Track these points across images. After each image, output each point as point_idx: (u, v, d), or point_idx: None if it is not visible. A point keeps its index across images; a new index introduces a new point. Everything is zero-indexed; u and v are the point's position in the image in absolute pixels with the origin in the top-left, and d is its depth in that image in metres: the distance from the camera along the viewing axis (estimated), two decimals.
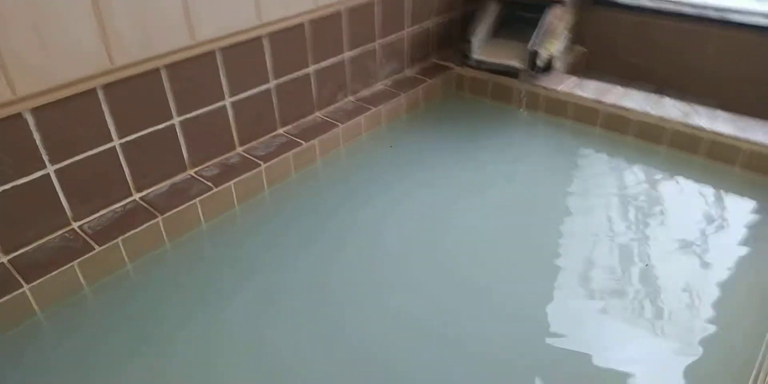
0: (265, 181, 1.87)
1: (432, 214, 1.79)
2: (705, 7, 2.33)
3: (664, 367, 1.28)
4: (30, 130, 1.38)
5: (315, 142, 2.00)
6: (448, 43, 2.62)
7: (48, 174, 1.45)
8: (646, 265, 1.56)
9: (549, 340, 1.34)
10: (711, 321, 1.38)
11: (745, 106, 2.09)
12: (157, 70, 1.57)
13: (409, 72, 2.47)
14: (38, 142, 1.40)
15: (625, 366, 1.27)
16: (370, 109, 2.19)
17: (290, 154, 1.93)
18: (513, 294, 1.48)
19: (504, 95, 2.40)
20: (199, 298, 1.47)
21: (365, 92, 2.30)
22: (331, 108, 2.17)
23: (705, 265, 1.56)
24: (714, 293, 1.47)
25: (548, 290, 1.50)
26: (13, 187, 1.39)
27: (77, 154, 1.49)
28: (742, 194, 1.84)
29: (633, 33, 2.50)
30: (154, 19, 1.49)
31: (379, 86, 2.34)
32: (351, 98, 2.25)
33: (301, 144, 1.96)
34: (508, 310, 1.43)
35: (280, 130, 2.02)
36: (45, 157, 1.43)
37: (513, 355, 1.31)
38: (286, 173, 1.94)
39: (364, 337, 1.36)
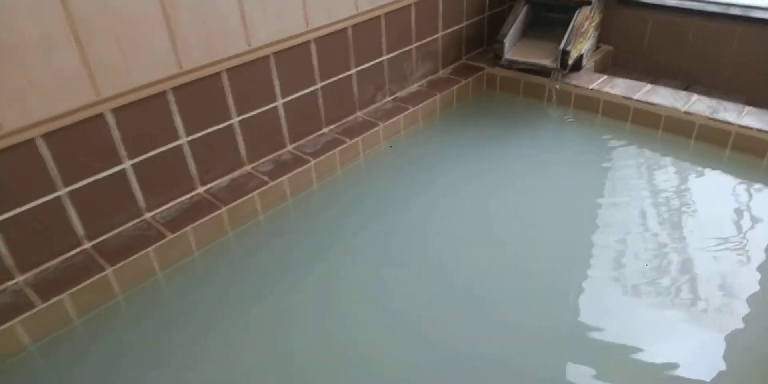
0: (314, 176, 2.00)
1: (475, 202, 1.91)
2: (729, 5, 2.41)
3: (694, 355, 1.35)
4: (110, 128, 1.53)
5: (358, 139, 2.13)
6: (479, 44, 2.74)
7: (125, 169, 1.60)
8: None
9: (578, 318, 1.45)
10: (744, 315, 1.46)
11: None
12: (218, 74, 1.71)
13: (442, 73, 2.59)
14: (117, 139, 1.55)
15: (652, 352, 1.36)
16: (407, 108, 2.31)
17: (336, 151, 2.06)
18: (551, 274, 1.59)
19: (535, 93, 2.51)
20: (263, 281, 1.61)
21: (402, 93, 2.42)
22: (371, 108, 2.30)
23: (738, 258, 1.62)
24: (748, 286, 1.52)
25: (582, 273, 1.60)
26: (95, 181, 1.54)
27: (150, 151, 1.63)
28: None
29: (657, 31, 2.59)
30: (216, 27, 1.63)
31: (414, 87, 2.47)
32: (389, 98, 2.38)
33: (346, 142, 2.09)
34: (545, 287, 1.54)
35: (325, 130, 2.15)
36: (123, 153, 1.58)
37: (545, 327, 1.42)
38: (332, 169, 2.07)
39: (426, 307, 1.50)
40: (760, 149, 2.01)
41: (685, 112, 2.15)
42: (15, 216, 1.42)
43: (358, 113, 2.26)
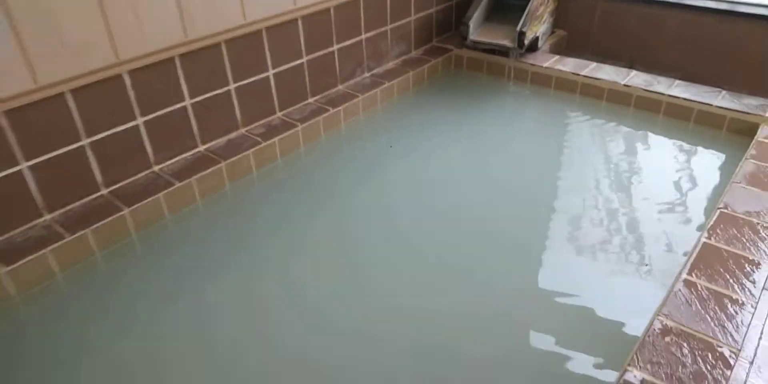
0: (301, 139, 2.25)
1: (441, 165, 2.18)
2: None
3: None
4: (127, 88, 1.75)
5: (340, 109, 2.39)
6: (448, 29, 3.03)
7: (138, 125, 1.82)
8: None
9: (537, 273, 1.68)
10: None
11: (704, 79, 2.50)
12: (218, 45, 1.95)
13: (415, 53, 2.87)
14: (132, 98, 1.78)
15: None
16: (384, 83, 2.58)
17: (320, 118, 2.31)
18: (510, 231, 1.85)
19: (497, 71, 2.80)
20: (258, 223, 1.86)
21: (379, 70, 2.69)
22: (351, 82, 2.56)
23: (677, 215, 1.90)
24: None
25: (541, 234, 1.82)
26: (113, 134, 1.77)
27: (160, 110, 1.86)
28: (695, 145, 2.24)
29: (605, 17, 2.91)
30: (217, 3, 1.87)
31: (390, 65, 2.74)
32: (367, 74, 2.64)
33: (329, 110, 2.35)
34: (504, 244, 1.79)
35: (311, 100, 2.40)
36: (137, 111, 1.80)
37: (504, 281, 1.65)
38: (316, 134, 2.32)
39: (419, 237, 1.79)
40: (686, 114, 2.34)
41: (625, 85, 2.46)
42: (45, 161, 1.64)
43: (340, 86, 2.52)
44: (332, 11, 2.31)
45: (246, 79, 2.10)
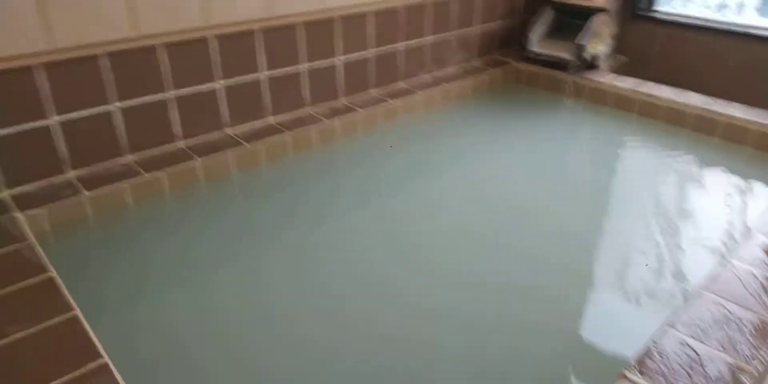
0: (359, 124, 2.39)
1: (493, 169, 2.25)
2: (729, 24, 2.80)
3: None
4: (211, 51, 1.93)
5: (399, 102, 2.52)
6: (508, 44, 3.16)
7: (217, 88, 2.00)
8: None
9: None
10: None
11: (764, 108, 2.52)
12: (295, 25, 2.13)
13: (475, 63, 3.00)
14: (217, 61, 1.96)
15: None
16: (443, 84, 2.71)
17: (379, 107, 2.45)
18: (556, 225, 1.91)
19: (554, 86, 2.90)
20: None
21: (439, 73, 2.83)
22: (413, 80, 2.70)
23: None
24: None
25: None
26: (196, 92, 1.95)
27: (238, 76, 2.04)
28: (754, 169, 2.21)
29: (665, 45, 2.99)
30: None
31: (451, 70, 2.88)
32: (428, 76, 2.78)
33: (387, 101, 2.48)
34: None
35: (372, 91, 2.55)
36: (217, 74, 1.98)
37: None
38: (375, 121, 2.45)
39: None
40: (743, 136, 2.36)
41: (683, 103, 2.51)
42: (135, 106, 1.82)
43: (401, 82, 2.66)
44: (400, 10, 2.48)
45: (316, 61, 2.26)
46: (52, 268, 1.34)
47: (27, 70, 1.59)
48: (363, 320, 1.41)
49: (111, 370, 1.06)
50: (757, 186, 2.09)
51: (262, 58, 2.08)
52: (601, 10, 2.77)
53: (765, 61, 2.70)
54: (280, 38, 2.10)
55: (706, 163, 2.27)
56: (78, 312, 1.20)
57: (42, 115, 1.65)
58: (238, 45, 1.99)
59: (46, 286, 1.28)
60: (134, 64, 1.77)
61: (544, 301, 1.49)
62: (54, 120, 1.68)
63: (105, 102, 1.76)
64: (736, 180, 2.14)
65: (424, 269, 1.60)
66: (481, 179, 2.15)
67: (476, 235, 1.78)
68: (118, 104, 1.78)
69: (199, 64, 1.92)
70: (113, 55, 1.72)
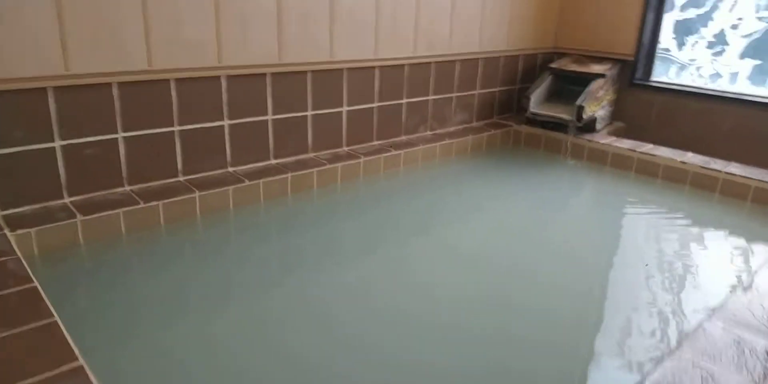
0: (361, 171, 2.40)
1: (494, 220, 2.25)
2: (723, 91, 2.91)
3: None
4: (222, 90, 1.99)
5: (401, 153, 2.55)
6: (508, 110, 3.25)
7: (224, 125, 2.03)
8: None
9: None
10: None
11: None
12: (305, 73, 2.21)
13: (476, 124, 3.08)
14: (224, 101, 2.01)
15: None
16: (444, 140, 2.76)
17: (381, 157, 2.48)
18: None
19: (554, 147, 2.95)
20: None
21: (440, 131, 2.89)
22: (414, 135, 2.75)
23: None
24: None
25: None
26: (201, 128, 1.98)
27: (243, 118, 2.08)
28: (754, 226, 2.19)
29: (662, 112, 3.08)
30: (311, 38, 2.15)
31: (451, 128, 2.94)
32: (429, 132, 2.84)
33: (390, 151, 2.52)
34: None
35: (375, 142, 2.59)
36: (225, 114, 2.02)
37: None
38: (377, 170, 2.47)
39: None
40: (744, 193, 2.36)
41: (681, 162, 2.54)
42: (138, 136, 1.83)
43: (403, 136, 2.71)
44: (406, 68, 2.58)
45: (322, 109, 2.31)
46: (36, 281, 1.28)
47: (41, 92, 1.62)
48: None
49: (86, 372, 0.98)
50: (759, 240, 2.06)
51: (269, 100, 2.13)
52: (599, 76, 2.88)
53: (759, 124, 2.77)
54: (289, 84, 2.16)
55: (706, 218, 2.26)
56: (57, 319, 1.14)
57: (48, 138, 1.66)
58: (246, 87, 2.05)
59: (31, 297, 1.22)
60: (146, 94, 1.81)
61: (545, 346, 1.40)
62: (58, 144, 1.69)
63: (113, 131, 1.78)
64: (735, 236, 2.11)
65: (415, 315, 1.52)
66: (476, 235, 2.07)
67: (473, 292, 1.65)
68: (123, 134, 1.80)
69: (209, 102, 1.97)
70: (125, 86, 1.76)
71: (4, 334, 1.08)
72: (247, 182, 2.02)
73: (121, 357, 1.26)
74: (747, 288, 1.43)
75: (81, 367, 1.00)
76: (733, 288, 1.62)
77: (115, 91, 1.76)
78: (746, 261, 1.87)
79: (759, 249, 1.97)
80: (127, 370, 1.22)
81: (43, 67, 1.60)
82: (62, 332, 1.09)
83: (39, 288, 1.25)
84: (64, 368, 0.99)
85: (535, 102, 2.94)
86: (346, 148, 2.47)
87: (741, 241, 2.05)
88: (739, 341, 1.14)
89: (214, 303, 1.49)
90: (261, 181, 2.06)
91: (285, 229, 1.93)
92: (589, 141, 2.83)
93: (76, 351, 1.04)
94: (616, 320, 1.52)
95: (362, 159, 2.39)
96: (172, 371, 1.23)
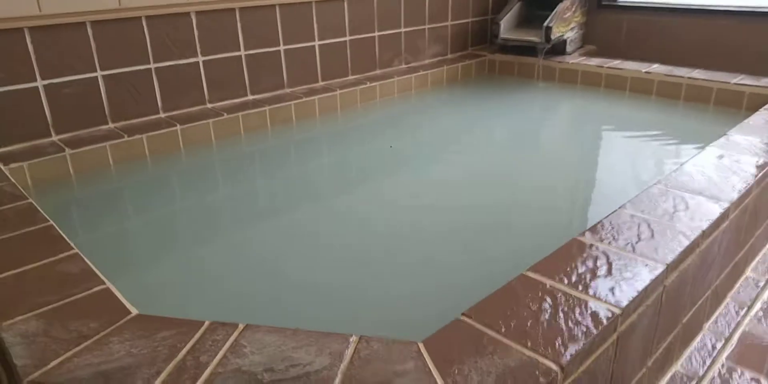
0: (338, 104, 2.48)
1: (460, 136, 2.35)
2: (689, 4, 2.95)
3: None
4: (193, 27, 2.05)
5: (376, 85, 2.63)
6: (483, 41, 3.30)
7: (198, 62, 2.11)
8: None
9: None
10: None
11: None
12: (274, 6, 2.26)
13: (450, 56, 3.13)
14: (196, 37, 2.07)
15: None
16: (419, 72, 2.83)
17: (357, 89, 2.55)
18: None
19: (527, 71, 3.02)
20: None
21: (415, 64, 2.95)
22: (389, 69, 2.82)
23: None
24: None
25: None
26: (176, 65, 2.05)
27: (217, 54, 2.15)
28: (715, 124, 2.31)
29: (631, 31, 3.12)
30: None
31: (426, 61, 3.00)
32: (404, 65, 2.90)
33: (366, 84, 2.59)
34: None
35: (350, 77, 2.66)
36: (198, 50, 2.09)
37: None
38: (353, 102, 2.55)
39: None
40: (707, 96, 2.44)
41: (646, 72, 2.61)
42: (116, 74, 1.91)
43: (377, 70, 2.78)
44: (375, 0, 2.62)
45: (294, 44, 2.38)
46: (32, 199, 1.39)
47: (19, 33, 1.69)
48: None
49: (81, 257, 1.10)
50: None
51: (240, 37, 2.20)
52: None
53: (722, 34, 2.82)
54: (258, 19, 2.22)
55: (670, 120, 2.36)
56: (53, 223, 1.25)
57: (30, 78, 1.75)
58: (217, 23, 2.11)
59: (27, 210, 1.33)
60: (119, 32, 1.88)
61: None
62: (40, 83, 1.77)
63: (92, 70, 1.86)
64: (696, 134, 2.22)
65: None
66: (458, 157, 2.16)
67: (458, 203, 1.77)
68: (101, 72, 1.88)
69: (182, 38, 2.04)
70: (98, 24, 1.83)
71: (5, 236, 1.19)
72: (226, 116, 2.11)
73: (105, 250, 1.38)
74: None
75: (77, 254, 1.11)
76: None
77: (89, 31, 1.83)
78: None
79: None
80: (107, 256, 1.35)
81: (17, 8, 1.67)
82: (57, 231, 1.21)
83: (34, 203, 1.36)
84: (62, 255, 1.11)
85: (506, 28, 2.99)
86: (321, 83, 2.55)
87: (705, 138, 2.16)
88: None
89: (200, 228, 1.59)
90: (240, 114, 2.14)
91: (265, 159, 2.04)
92: (560, 62, 2.90)
93: (71, 243, 1.16)
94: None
95: (338, 92, 2.47)
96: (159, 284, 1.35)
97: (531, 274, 0.99)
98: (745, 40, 2.77)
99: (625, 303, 0.91)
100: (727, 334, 1.31)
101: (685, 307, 1.17)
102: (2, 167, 1.62)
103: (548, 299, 0.91)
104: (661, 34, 3.03)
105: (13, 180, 1.51)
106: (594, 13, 3.22)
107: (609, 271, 0.99)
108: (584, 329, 0.84)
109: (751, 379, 1.19)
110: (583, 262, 1.02)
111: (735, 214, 1.29)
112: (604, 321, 0.87)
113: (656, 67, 2.65)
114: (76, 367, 0.79)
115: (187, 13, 2.03)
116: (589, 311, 0.89)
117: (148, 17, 1.94)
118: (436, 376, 0.76)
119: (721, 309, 1.39)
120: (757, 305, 1.42)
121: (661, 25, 3.02)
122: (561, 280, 0.97)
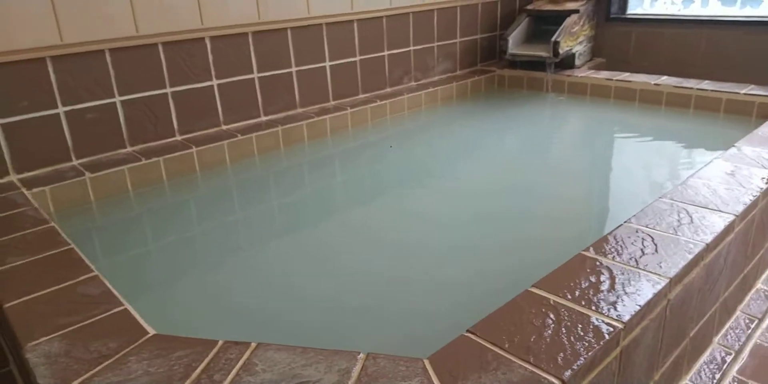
0: (349, 122, 2.53)
1: (472, 149, 2.38)
2: (698, 15, 2.96)
3: None
4: (208, 52, 2.12)
5: (386, 103, 2.67)
6: (491, 57, 3.34)
7: (213, 85, 2.17)
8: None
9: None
10: None
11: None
12: (285, 30, 2.33)
13: (460, 72, 3.18)
14: (210, 61, 2.14)
15: None
16: (428, 88, 2.87)
17: (368, 107, 2.60)
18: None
19: (536, 86, 3.05)
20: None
21: (425, 81, 3.00)
22: (398, 87, 2.87)
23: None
24: None
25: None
26: (191, 89, 2.12)
27: (232, 77, 2.21)
28: (724, 132, 2.32)
29: (640, 42, 3.15)
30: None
31: (435, 78, 3.05)
32: (414, 83, 2.95)
33: (377, 102, 2.64)
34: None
35: (361, 95, 2.71)
36: (213, 74, 2.16)
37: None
38: (363, 120, 2.59)
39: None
40: (716, 106, 2.45)
41: (655, 84, 2.63)
42: (134, 99, 1.98)
43: (388, 88, 2.83)
44: (384, 20, 2.68)
45: (306, 65, 2.44)
46: (53, 223, 1.45)
47: (41, 62, 1.77)
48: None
49: (101, 279, 1.14)
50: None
51: (253, 59, 2.26)
52: (573, 12, 2.95)
53: (731, 44, 2.83)
54: (270, 42, 2.29)
55: (680, 129, 2.38)
56: (73, 246, 1.30)
57: (52, 105, 1.82)
58: (232, 47, 2.18)
59: (49, 233, 1.38)
60: (136, 59, 1.95)
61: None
62: (61, 110, 1.84)
63: (110, 95, 1.93)
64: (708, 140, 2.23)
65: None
66: (473, 168, 2.21)
67: (473, 216, 1.81)
68: (120, 98, 1.95)
69: (196, 64, 2.10)
70: (116, 52, 1.91)
71: (29, 259, 1.24)
72: (240, 137, 2.16)
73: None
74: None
75: (97, 276, 1.16)
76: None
77: (108, 58, 1.90)
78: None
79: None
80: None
81: (41, 38, 1.74)
82: (78, 254, 1.25)
83: (56, 227, 1.41)
84: (82, 277, 1.15)
85: (514, 44, 3.03)
86: (333, 102, 2.60)
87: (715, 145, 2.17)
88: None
89: (216, 249, 1.63)
90: (253, 135, 2.20)
91: (279, 179, 2.08)
92: (569, 76, 2.92)
93: (92, 266, 1.20)
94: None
95: (349, 110, 2.52)
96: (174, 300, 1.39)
97: (535, 290, 1.01)
98: (754, 51, 2.77)
99: (627, 317, 0.92)
100: (737, 347, 1.31)
101: (692, 320, 1.18)
102: (25, 192, 1.68)
103: (551, 315, 0.93)
104: (670, 45, 3.05)
105: (35, 204, 1.57)
106: (603, 26, 3.25)
107: (612, 286, 1.01)
108: (586, 344, 0.86)
109: None
110: (587, 278, 1.04)
111: (741, 227, 1.30)
112: (607, 335, 0.88)
113: (665, 80, 2.67)
114: None
115: (202, 39, 2.10)
116: (591, 326, 0.90)
117: (164, 43, 2.01)
118: None
119: (731, 322, 1.39)
120: None
121: (669, 37, 3.04)
122: (565, 296, 0.99)
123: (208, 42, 2.12)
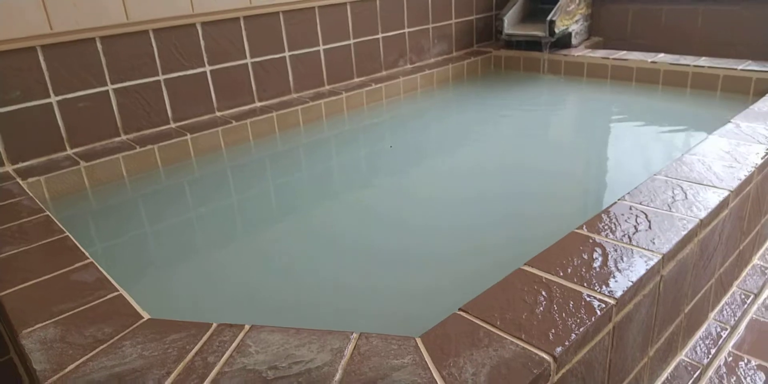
0: (345, 106, 2.52)
1: (468, 130, 2.37)
2: None
3: None
4: (199, 37, 2.10)
5: (382, 86, 2.66)
6: (488, 38, 3.31)
7: (205, 72, 2.15)
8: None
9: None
10: None
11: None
12: (277, 13, 2.30)
13: (456, 54, 3.15)
14: (203, 47, 2.12)
15: None
16: (424, 71, 2.85)
17: (363, 91, 2.58)
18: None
19: (533, 66, 3.02)
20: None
21: (420, 63, 2.97)
22: (394, 70, 2.85)
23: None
24: None
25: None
26: (185, 75, 2.10)
27: (224, 63, 2.19)
28: (722, 111, 2.30)
29: (637, 20, 3.11)
30: None
31: (431, 60, 3.02)
32: (409, 66, 2.93)
33: (372, 85, 2.62)
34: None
35: (356, 79, 2.69)
36: (206, 60, 2.14)
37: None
38: (359, 104, 2.58)
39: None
40: (713, 83, 2.43)
41: (652, 62, 2.60)
42: (126, 87, 1.97)
43: (383, 72, 2.81)
44: (378, 3, 2.65)
45: (299, 49, 2.42)
46: (48, 212, 1.45)
47: (31, 51, 1.75)
48: None
49: (96, 266, 1.15)
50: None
51: (246, 44, 2.24)
52: None
53: (731, 20, 2.80)
54: (263, 26, 2.27)
55: (675, 108, 2.36)
56: (68, 234, 1.30)
57: (44, 95, 1.81)
58: (222, 32, 2.16)
59: (44, 222, 1.38)
60: (128, 46, 1.94)
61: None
62: (54, 99, 1.83)
63: (102, 84, 1.92)
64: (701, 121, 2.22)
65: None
66: (472, 150, 2.21)
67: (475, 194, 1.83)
68: (112, 86, 1.94)
69: (189, 50, 2.09)
70: (107, 39, 1.89)
71: (24, 248, 1.24)
72: (234, 123, 2.15)
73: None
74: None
75: (91, 263, 1.16)
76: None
77: (99, 46, 1.89)
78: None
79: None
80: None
81: (30, 27, 1.73)
82: (73, 241, 1.26)
83: (51, 216, 1.42)
84: (77, 265, 1.16)
85: (510, 24, 3.00)
86: (327, 87, 2.59)
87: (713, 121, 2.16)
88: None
89: (211, 234, 1.63)
90: (248, 121, 2.19)
91: (274, 164, 2.08)
92: (565, 55, 2.90)
93: (86, 253, 1.21)
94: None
95: (344, 94, 2.51)
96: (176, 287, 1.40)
97: (528, 269, 1.01)
98: (751, 27, 2.74)
99: (619, 293, 0.92)
100: (733, 322, 1.31)
101: (687, 296, 1.18)
102: (20, 182, 1.68)
103: (544, 292, 0.94)
104: (667, 22, 3.01)
105: (31, 194, 1.57)
106: (599, 4, 3.21)
107: (605, 263, 1.01)
108: (578, 320, 0.86)
109: (758, 366, 1.20)
110: (580, 255, 1.04)
111: (736, 203, 1.29)
112: (599, 312, 0.89)
113: (662, 57, 2.64)
114: (91, 371, 0.83)
115: (193, 25, 2.08)
116: (583, 302, 0.91)
117: (155, 30, 1.99)
118: (432, 368, 0.78)
119: (727, 297, 1.39)
120: (765, 293, 1.42)
121: (666, 14, 3.00)
122: (557, 273, 0.99)
123: (199, 27, 2.10)
